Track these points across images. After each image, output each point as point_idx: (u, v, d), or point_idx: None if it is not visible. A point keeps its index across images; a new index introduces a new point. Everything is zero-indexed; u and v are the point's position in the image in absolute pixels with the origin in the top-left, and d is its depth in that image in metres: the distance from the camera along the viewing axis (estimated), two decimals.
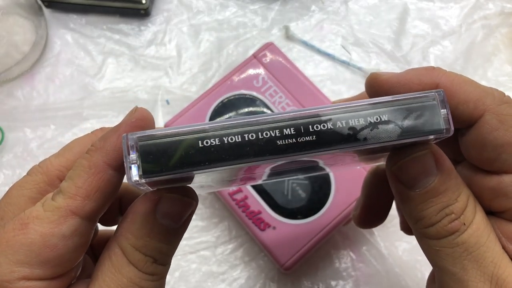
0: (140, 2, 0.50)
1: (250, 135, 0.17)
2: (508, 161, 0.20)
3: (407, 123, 0.18)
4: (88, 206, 0.19)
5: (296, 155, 0.18)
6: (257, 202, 0.40)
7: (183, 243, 0.44)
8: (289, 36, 0.51)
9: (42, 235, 0.19)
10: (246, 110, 0.43)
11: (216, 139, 0.17)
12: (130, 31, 0.52)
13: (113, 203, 0.25)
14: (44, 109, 0.49)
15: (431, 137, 0.18)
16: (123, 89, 0.50)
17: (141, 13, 0.52)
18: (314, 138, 0.18)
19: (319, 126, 0.18)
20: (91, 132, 0.23)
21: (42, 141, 0.48)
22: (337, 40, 0.51)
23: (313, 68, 0.50)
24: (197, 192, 0.22)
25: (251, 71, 0.44)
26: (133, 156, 0.17)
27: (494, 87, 0.21)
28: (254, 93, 0.43)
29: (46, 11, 0.53)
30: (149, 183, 0.18)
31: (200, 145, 0.17)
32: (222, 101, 0.43)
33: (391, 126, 0.18)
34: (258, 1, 0.53)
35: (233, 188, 0.40)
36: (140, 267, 0.20)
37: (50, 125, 0.48)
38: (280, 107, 0.43)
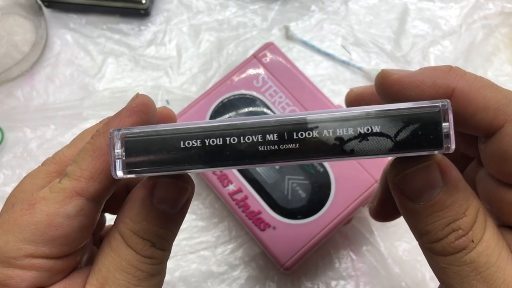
0: (140, 2, 0.50)
1: (232, 139, 0.17)
2: None
3: (401, 136, 0.16)
4: (92, 187, 0.20)
5: (276, 163, 0.17)
6: (257, 202, 0.40)
7: (183, 243, 0.44)
8: (289, 36, 0.51)
9: (48, 215, 0.19)
10: (246, 110, 0.43)
11: (198, 141, 0.17)
12: (130, 31, 0.52)
13: (120, 191, 0.25)
14: (44, 109, 0.49)
15: (436, 152, 0.17)
16: (123, 89, 0.50)
17: (141, 13, 0.52)
18: (297, 146, 0.17)
19: (304, 133, 0.17)
20: (99, 122, 0.24)
21: (42, 141, 0.48)
22: (337, 40, 0.51)
23: (313, 68, 0.50)
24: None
25: (251, 71, 0.44)
26: (119, 151, 0.18)
27: None
28: (254, 93, 0.43)
29: (46, 11, 0.53)
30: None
31: (182, 146, 0.17)
32: (222, 101, 0.43)
33: (382, 138, 0.16)
34: (258, 1, 0.53)
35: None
36: (138, 250, 0.20)
37: (50, 125, 0.48)
38: (280, 107, 0.43)
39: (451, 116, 0.17)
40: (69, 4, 0.51)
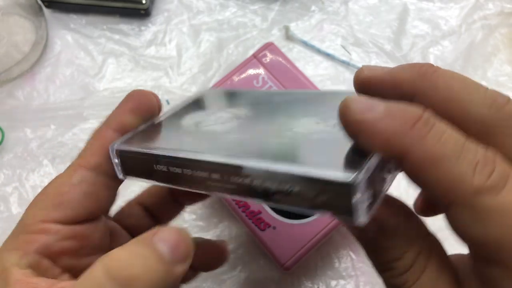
0: (140, 2, 0.50)
1: (187, 170, 0.21)
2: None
3: (318, 199, 0.17)
4: (92, 160, 0.24)
5: (220, 195, 0.20)
6: None
7: None
8: (289, 36, 0.51)
9: (57, 185, 0.23)
10: None
11: (164, 167, 0.22)
12: (130, 31, 0.52)
13: (164, 196, 0.31)
14: (44, 109, 0.49)
15: (354, 221, 0.17)
16: (123, 89, 0.50)
17: (141, 13, 0.52)
18: (234, 187, 0.19)
19: (239, 178, 0.19)
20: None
21: (42, 141, 0.48)
22: (337, 40, 0.51)
23: (313, 68, 0.50)
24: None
25: (251, 71, 0.44)
26: (116, 161, 0.23)
27: (494, 87, 0.18)
28: None
29: (46, 11, 0.53)
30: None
31: (155, 168, 0.22)
32: None
33: (302, 198, 0.17)
34: (258, 1, 0.53)
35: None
36: None
37: (50, 125, 0.48)
38: None
39: (363, 189, 0.16)
40: (69, 4, 0.51)
